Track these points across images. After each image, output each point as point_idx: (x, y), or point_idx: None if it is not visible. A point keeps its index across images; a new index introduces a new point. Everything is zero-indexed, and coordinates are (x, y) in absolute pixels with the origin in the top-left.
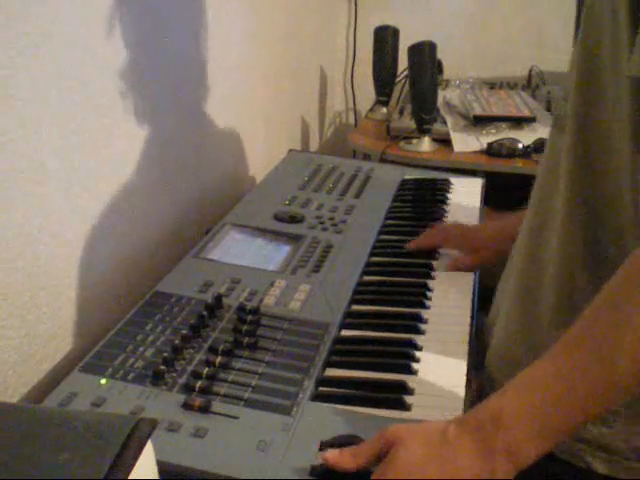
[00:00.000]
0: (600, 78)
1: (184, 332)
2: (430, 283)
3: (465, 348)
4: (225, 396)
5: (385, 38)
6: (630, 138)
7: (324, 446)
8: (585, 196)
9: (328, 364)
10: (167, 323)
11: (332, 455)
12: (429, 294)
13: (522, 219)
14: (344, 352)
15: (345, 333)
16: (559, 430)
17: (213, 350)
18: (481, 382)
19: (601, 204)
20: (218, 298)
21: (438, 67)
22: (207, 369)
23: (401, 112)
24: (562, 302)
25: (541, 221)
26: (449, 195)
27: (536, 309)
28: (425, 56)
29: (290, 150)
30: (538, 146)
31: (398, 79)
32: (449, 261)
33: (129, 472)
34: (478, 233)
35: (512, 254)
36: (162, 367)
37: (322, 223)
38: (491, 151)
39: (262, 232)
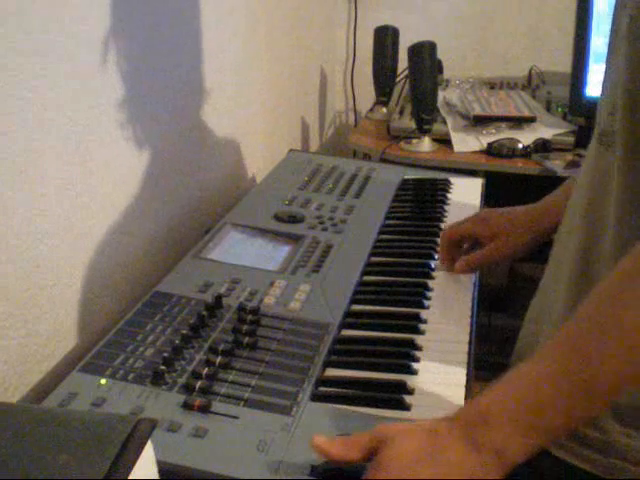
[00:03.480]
0: None
1: (184, 332)
2: (430, 283)
3: (465, 348)
4: (225, 396)
5: (385, 38)
6: None
7: None
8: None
9: (328, 364)
10: (167, 323)
11: (322, 441)
12: (429, 294)
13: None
14: (344, 352)
15: (345, 333)
16: (545, 430)
17: (213, 350)
18: (485, 386)
19: None
20: (218, 298)
21: (438, 67)
22: (207, 369)
23: (401, 112)
24: None
25: (591, 240)
26: (449, 195)
27: None
28: (425, 56)
29: (290, 150)
30: (538, 146)
31: (398, 79)
32: (458, 261)
33: (129, 472)
34: (500, 218)
35: (549, 275)
36: (162, 367)
37: (322, 223)
38: (491, 151)
39: (262, 232)
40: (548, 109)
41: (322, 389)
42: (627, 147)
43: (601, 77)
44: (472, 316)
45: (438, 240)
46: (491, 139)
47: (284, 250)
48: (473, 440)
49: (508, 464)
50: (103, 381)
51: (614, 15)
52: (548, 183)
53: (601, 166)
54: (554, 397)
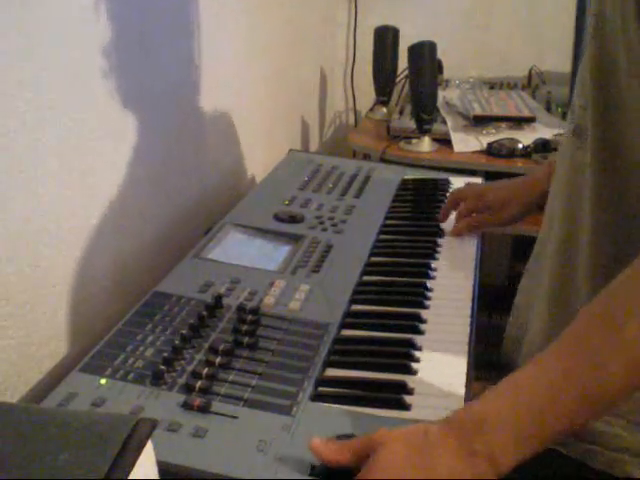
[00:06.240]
0: (617, 86)
1: (184, 332)
2: (430, 283)
3: (465, 348)
4: (225, 396)
5: (385, 38)
6: None
7: None
8: (612, 207)
9: (328, 364)
10: (167, 323)
11: (317, 443)
12: (429, 294)
13: (545, 174)
14: (344, 352)
15: (345, 333)
16: (543, 436)
17: (213, 350)
18: (484, 386)
19: (630, 214)
20: (218, 298)
21: (438, 67)
22: (207, 369)
23: (401, 112)
24: None
25: (569, 234)
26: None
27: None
28: (425, 56)
29: (290, 150)
30: (538, 146)
31: (398, 79)
32: (461, 222)
33: (129, 472)
34: (497, 192)
35: (529, 268)
36: (162, 367)
37: (322, 223)
38: (491, 151)
39: (262, 232)
40: (548, 109)
41: (322, 389)
42: (597, 143)
43: None
44: (472, 316)
45: (438, 240)
46: (491, 139)
47: (284, 250)
48: (467, 446)
49: (502, 470)
50: (103, 381)
51: (585, 15)
52: None
53: (577, 161)
54: (555, 403)
